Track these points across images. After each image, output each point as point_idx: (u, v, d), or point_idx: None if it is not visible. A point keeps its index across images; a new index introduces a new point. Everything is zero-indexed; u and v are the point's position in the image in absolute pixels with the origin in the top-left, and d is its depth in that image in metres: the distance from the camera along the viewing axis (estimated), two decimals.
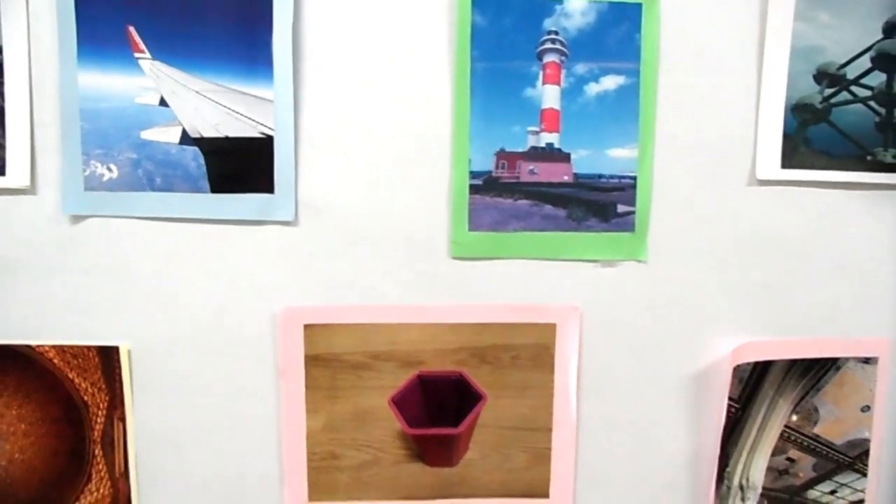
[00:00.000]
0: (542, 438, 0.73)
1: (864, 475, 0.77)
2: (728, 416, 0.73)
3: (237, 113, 0.67)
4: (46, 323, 0.70)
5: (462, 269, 0.70)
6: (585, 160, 0.68)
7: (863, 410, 0.76)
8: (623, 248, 0.70)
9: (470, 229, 0.69)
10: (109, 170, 0.68)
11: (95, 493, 0.74)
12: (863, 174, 0.71)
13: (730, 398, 0.73)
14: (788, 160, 0.70)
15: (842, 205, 0.72)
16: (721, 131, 0.69)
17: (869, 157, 0.71)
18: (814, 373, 0.74)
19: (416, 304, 0.70)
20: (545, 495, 0.74)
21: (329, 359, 0.70)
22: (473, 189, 0.68)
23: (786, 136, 0.70)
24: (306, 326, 0.70)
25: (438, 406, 0.72)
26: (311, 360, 0.70)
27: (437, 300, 0.70)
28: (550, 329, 0.71)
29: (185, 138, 0.67)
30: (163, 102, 0.67)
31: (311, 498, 0.73)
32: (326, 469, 0.72)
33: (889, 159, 0.71)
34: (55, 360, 0.71)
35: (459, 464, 0.73)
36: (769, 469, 0.76)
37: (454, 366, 0.71)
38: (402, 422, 0.72)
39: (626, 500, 0.75)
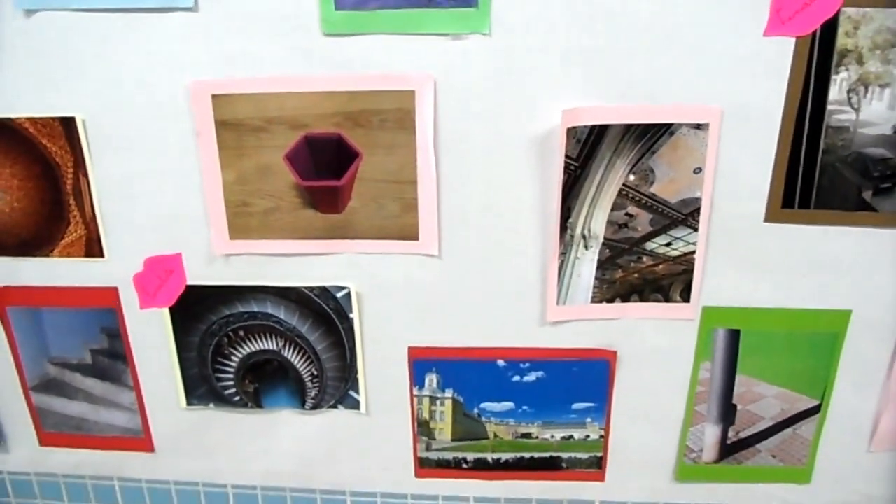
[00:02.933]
0: (410, 190, 0.88)
1: (696, 230, 0.88)
2: (568, 174, 0.86)
3: None
4: (19, 100, 0.89)
5: (334, 44, 0.83)
6: None
7: (695, 172, 0.86)
8: (468, 22, 0.81)
9: (336, 9, 0.81)
10: None
11: (74, 234, 0.96)
12: None
13: (569, 157, 0.85)
14: None
15: None
16: None
17: None
18: (649, 136, 0.85)
19: (298, 75, 0.84)
20: (415, 238, 0.90)
21: (234, 123, 0.87)
22: None
23: None
24: (213, 96, 0.86)
25: (324, 163, 0.88)
26: (220, 125, 0.87)
27: (316, 71, 0.84)
28: (410, 95, 0.84)
29: None
30: None
31: (231, 237, 0.92)
32: (240, 214, 0.91)
33: None
34: (30, 130, 0.91)
35: (345, 211, 0.90)
36: (610, 222, 0.89)
37: (333, 128, 0.86)
38: (296, 175, 0.88)
39: (481, 240, 0.89)
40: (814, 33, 0.80)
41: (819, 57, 0.82)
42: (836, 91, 0.83)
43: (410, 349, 0.96)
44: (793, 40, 0.80)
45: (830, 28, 0.80)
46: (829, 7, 0.80)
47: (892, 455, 1.00)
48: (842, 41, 0.81)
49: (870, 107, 0.83)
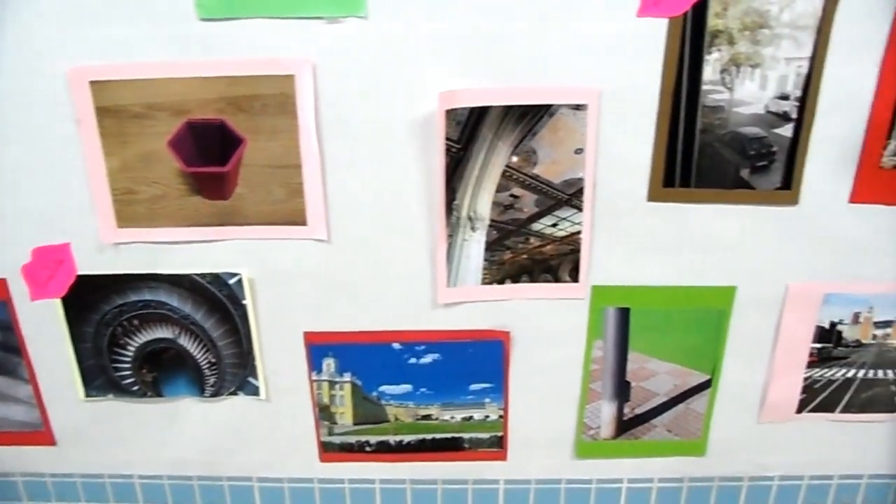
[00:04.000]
0: (295, 175, 0.88)
1: (580, 210, 0.90)
2: (450, 156, 0.86)
3: None
4: None
5: (210, 29, 0.82)
6: None
7: (576, 153, 0.87)
8: (344, 5, 0.81)
9: None
10: None
11: None
12: None
13: (450, 139, 0.86)
14: None
15: None
16: None
17: None
18: (529, 118, 0.86)
19: (176, 60, 0.83)
20: (304, 223, 0.90)
21: (115, 110, 0.86)
22: None
23: None
24: (92, 83, 0.85)
25: (209, 149, 0.87)
26: (101, 111, 0.86)
27: (194, 57, 0.83)
28: (289, 80, 0.84)
29: None
30: None
31: (118, 225, 0.91)
32: (127, 202, 0.90)
33: None
34: None
35: (232, 197, 0.90)
36: (495, 204, 0.90)
37: (215, 114, 0.85)
38: (180, 161, 0.88)
39: (370, 224, 0.90)
40: (685, 14, 0.82)
41: (692, 38, 0.84)
42: (709, 71, 0.85)
43: (306, 334, 0.96)
44: (666, 21, 0.82)
45: (701, 9, 0.82)
46: None
47: (780, 425, 1.03)
48: (712, 22, 0.83)
49: (742, 86, 0.86)
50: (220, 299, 0.94)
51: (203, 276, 0.93)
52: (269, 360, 0.98)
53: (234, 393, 1.00)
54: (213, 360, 0.98)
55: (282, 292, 0.94)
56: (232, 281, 0.93)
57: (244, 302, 0.94)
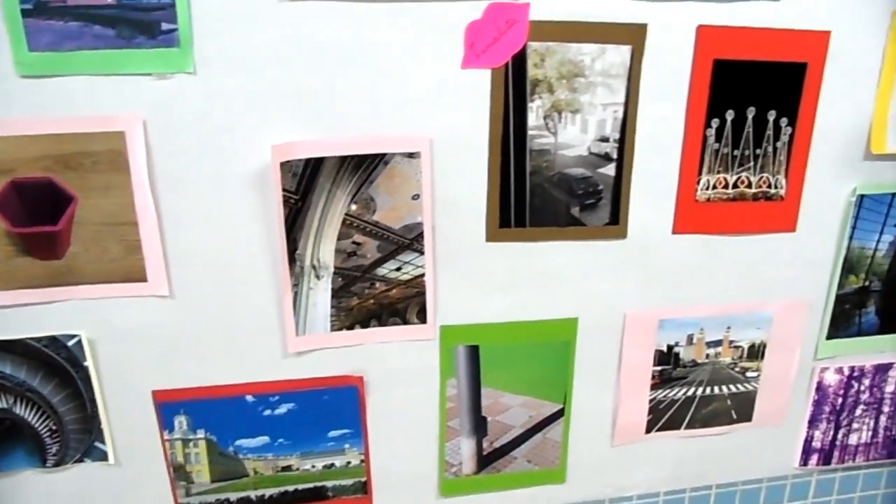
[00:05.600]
0: (131, 231, 0.87)
1: (422, 253, 0.93)
2: (289, 207, 0.88)
3: None
4: None
5: (32, 86, 0.81)
6: None
7: (413, 198, 0.91)
8: (171, 61, 0.81)
9: (30, 50, 0.79)
10: None
11: None
12: None
13: (288, 191, 0.87)
14: None
15: (365, 18, 0.83)
16: None
17: None
18: (365, 167, 0.88)
19: None
20: (144, 279, 0.89)
21: None
22: (26, 13, 0.78)
23: None
24: None
25: (38, 208, 0.85)
26: None
27: (16, 115, 0.81)
28: (120, 136, 0.83)
29: None
30: None
31: None
32: None
33: None
34: None
35: (66, 257, 0.87)
36: (338, 251, 0.91)
37: (43, 172, 0.83)
38: (6, 222, 0.85)
39: (213, 277, 0.89)
40: (507, 65, 0.88)
41: (514, 87, 0.89)
42: (533, 117, 0.91)
43: (155, 392, 0.94)
44: (489, 72, 0.87)
45: (521, 60, 0.88)
46: (515, 42, 0.87)
47: (632, 446, 1.09)
48: (532, 72, 0.89)
49: (566, 130, 0.92)
50: (58, 363, 0.90)
51: (38, 339, 0.89)
52: (116, 422, 0.95)
53: (79, 460, 0.96)
54: (55, 427, 0.93)
55: (126, 351, 0.91)
56: (71, 343, 0.90)
57: (85, 364, 0.91)
